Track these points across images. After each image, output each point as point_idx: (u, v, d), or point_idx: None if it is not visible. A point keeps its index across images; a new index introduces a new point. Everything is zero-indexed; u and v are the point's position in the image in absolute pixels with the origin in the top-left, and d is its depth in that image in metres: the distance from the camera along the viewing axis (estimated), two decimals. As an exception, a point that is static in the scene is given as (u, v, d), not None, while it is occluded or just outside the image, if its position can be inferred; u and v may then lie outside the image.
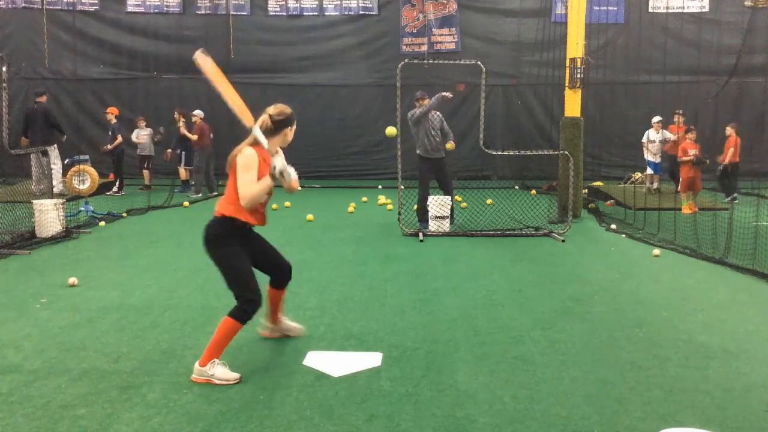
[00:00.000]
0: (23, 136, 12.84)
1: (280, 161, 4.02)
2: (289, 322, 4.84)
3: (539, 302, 5.78)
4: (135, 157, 15.54)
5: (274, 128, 4.13)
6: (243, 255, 4.17)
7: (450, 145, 9.46)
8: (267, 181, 4.03)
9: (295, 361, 4.34)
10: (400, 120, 9.10)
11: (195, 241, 8.54)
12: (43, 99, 13.03)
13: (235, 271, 4.12)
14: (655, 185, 13.33)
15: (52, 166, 12.20)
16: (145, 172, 14.84)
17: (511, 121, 16.97)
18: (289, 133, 4.23)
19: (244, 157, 4.02)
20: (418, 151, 9.46)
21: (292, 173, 4.07)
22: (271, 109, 4.18)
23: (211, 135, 13.95)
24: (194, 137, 13.60)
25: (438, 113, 9.50)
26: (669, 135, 13.47)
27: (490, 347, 4.62)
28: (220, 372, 3.97)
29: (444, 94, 9.21)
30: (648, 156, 13.60)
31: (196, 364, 4.01)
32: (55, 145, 12.74)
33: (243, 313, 4.06)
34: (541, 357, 4.43)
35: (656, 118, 13.47)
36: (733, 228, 7.79)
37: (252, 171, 4.01)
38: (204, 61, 4.22)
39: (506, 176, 16.27)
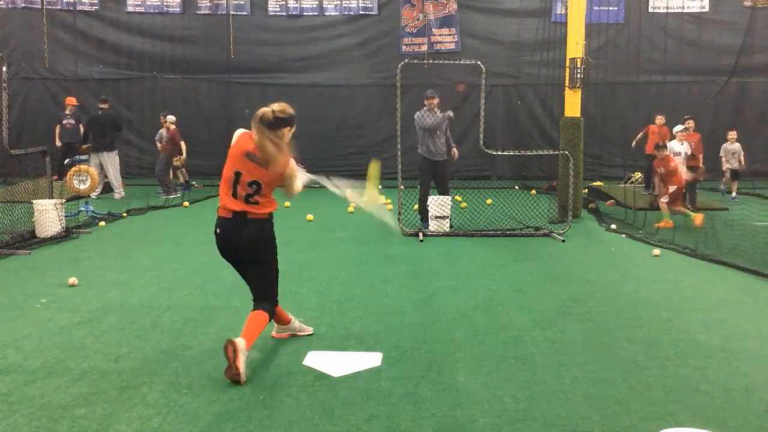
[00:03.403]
0: (84, 143, 13.06)
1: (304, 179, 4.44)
2: (300, 324, 4.87)
3: (539, 302, 5.78)
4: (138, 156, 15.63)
5: (273, 123, 4.07)
6: None
7: (454, 152, 9.46)
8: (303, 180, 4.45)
9: (295, 361, 4.33)
10: (400, 119, 9.11)
11: (195, 241, 8.61)
12: (107, 105, 13.33)
13: (277, 271, 4.43)
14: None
15: (115, 170, 13.09)
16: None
17: (511, 121, 16.97)
18: (287, 134, 4.18)
19: (294, 164, 4.23)
20: (420, 151, 9.38)
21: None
22: (276, 106, 4.12)
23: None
24: (181, 142, 13.68)
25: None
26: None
27: (490, 347, 4.62)
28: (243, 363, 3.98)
29: (450, 114, 9.24)
30: None
31: (243, 340, 3.97)
32: (116, 151, 13.25)
33: (273, 312, 4.37)
34: (541, 357, 4.43)
35: (679, 127, 11.87)
36: (733, 228, 7.80)
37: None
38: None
39: (506, 176, 16.28)
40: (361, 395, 3.80)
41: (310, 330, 4.89)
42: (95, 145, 12.83)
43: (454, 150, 9.43)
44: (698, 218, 9.60)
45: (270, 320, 4.31)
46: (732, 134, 13.35)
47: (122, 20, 16.97)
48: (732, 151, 13.24)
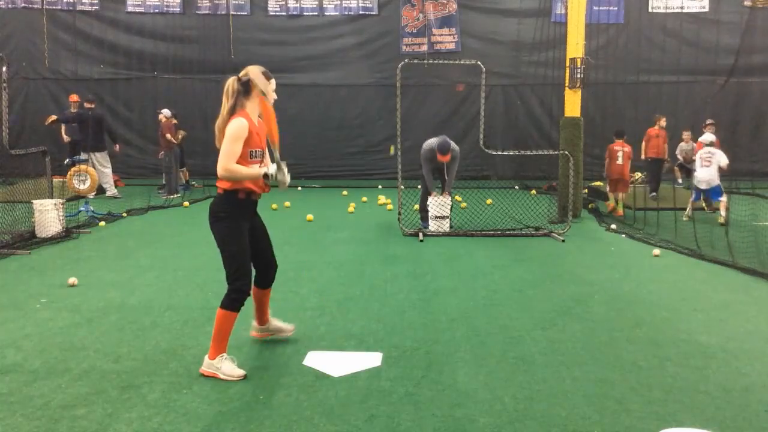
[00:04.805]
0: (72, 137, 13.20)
1: (272, 168, 4.05)
2: (279, 323, 4.73)
3: (539, 302, 5.78)
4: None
5: (243, 90, 4.02)
6: (245, 237, 4.12)
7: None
8: (256, 173, 4.01)
9: (295, 361, 4.34)
10: (400, 119, 9.11)
11: (195, 241, 8.60)
12: (92, 105, 13.30)
13: (233, 254, 4.06)
14: (689, 210, 10.73)
15: (103, 169, 13.03)
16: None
17: (511, 121, 16.96)
18: (266, 88, 4.05)
19: (235, 127, 3.94)
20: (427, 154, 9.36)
21: (286, 178, 4.10)
22: (242, 72, 4.06)
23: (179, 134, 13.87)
24: (177, 137, 13.59)
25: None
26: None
27: (490, 347, 4.62)
28: (227, 367, 4.02)
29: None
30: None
31: (206, 357, 4.09)
32: (106, 151, 13.25)
33: (232, 302, 4.05)
34: (541, 357, 4.44)
35: (710, 138, 10.90)
36: (733, 228, 7.80)
37: (239, 142, 3.94)
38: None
39: (506, 176, 16.26)
40: (361, 395, 3.81)
41: (291, 329, 4.73)
42: (83, 144, 12.75)
43: (445, 194, 9.23)
44: (616, 209, 11.08)
45: (233, 312, 4.03)
46: (686, 134, 13.45)
47: (122, 20, 16.96)
48: (686, 150, 13.38)
